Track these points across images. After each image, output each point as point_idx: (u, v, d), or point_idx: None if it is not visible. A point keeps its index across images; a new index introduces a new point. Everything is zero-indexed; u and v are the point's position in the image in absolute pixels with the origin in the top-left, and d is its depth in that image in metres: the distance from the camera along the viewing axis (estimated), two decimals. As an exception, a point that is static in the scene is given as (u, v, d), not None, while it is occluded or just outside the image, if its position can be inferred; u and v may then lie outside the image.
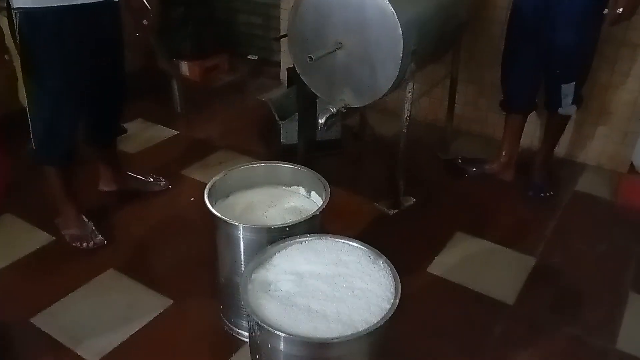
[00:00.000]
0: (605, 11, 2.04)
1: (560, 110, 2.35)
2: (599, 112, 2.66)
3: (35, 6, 1.73)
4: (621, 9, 1.97)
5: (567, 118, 2.45)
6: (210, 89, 3.60)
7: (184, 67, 3.68)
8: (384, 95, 2.11)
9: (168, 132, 3.00)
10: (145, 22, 2.00)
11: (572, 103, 2.32)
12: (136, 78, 3.12)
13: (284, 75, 3.47)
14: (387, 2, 1.93)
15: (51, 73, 1.84)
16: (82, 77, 1.92)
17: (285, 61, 3.51)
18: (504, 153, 2.62)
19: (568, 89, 2.27)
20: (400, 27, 1.94)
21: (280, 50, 3.63)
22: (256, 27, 3.93)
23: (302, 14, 2.12)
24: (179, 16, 3.74)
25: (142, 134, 2.94)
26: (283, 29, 3.49)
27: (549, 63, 2.29)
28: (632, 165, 2.49)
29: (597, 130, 2.71)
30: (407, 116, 2.25)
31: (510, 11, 2.37)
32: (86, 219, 2.15)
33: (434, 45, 2.33)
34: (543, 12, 2.19)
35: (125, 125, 2.38)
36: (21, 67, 1.88)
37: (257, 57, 3.98)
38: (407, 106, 2.23)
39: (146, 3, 2.06)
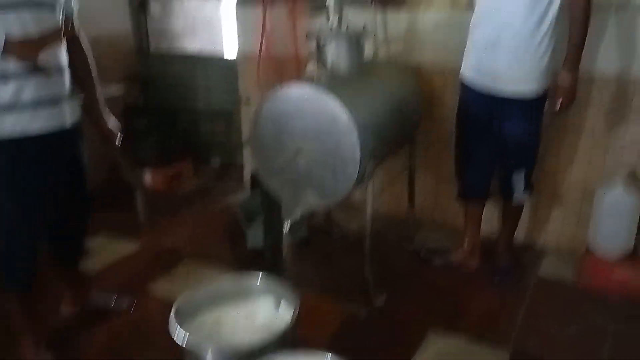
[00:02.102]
0: (546, 107, 2.20)
1: (513, 199, 2.46)
2: (551, 195, 2.78)
3: None
4: (559, 104, 2.14)
5: (522, 205, 2.55)
6: (174, 197, 3.61)
7: (148, 176, 3.70)
8: (345, 196, 2.16)
9: (132, 246, 2.95)
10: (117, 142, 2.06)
11: (524, 191, 2.43)
12: (99, 190, 3.10)
13: (247, 179, 3.52)
14: (342, 109, 2.03)
15: (7, 201, 1.82)
16: (40, 204, 1.90)
17: (249, 165, 3.59)
18: (466, 242, 2.68)
19: (519, 178, 2.39)
20: (357, 131, 2.03)
21: (243, 154, 3.71)
22: (218, 134, 4.04)
23: (262, 123, 2.21)
24: (142, 126, 3.83)
25: (105, 250, 2.87)
26: (245, 132, 3.60)
27: (499, 154, 2.42)
28: (588, 246, 2.57)
29: (552, 214, 2.82)
30: (370, 214, 2.30)
31: (458, 107, 2.53)
32: (46, 350, 2.03)
33: (390, 144, 2.44)
34: (487, 108, 2.34)
35: (88, 241, 2.34)
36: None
37: (220, 162, 4.05)
38: (369, 204, 2.29)
39: (116, 123, 2.12)
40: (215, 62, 3.91)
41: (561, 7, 2.11)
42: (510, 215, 2.60)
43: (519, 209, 2.57)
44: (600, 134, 2.59)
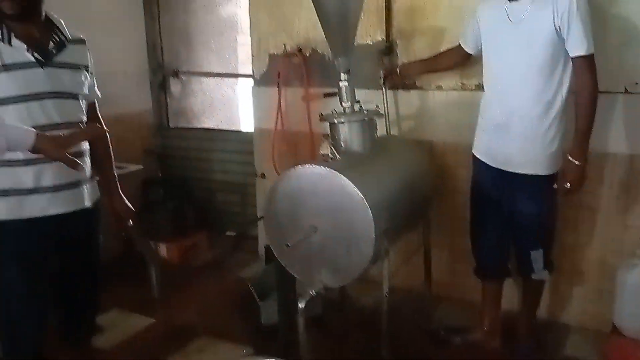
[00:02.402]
0: (555, 186, 2.21)
1: (533, 276, 2.41)
2: (571, 272, 2.73)
3: (8, 218, 1.76)
4: (569, 184, 2.15)
5: (542, 282, 2.49)
6: (188, 270, 3.60)
7: (163, 249, 3.71)
8: (360, 274, 2.14)
9: (145, 321, 2.92)
10: (130, 223, 2.07)
11: (544, 268, 2.38)
12: (113, 264, 3.13)
13: (262, 251, 3.52)
14: (356, 187, 2.05)
15: (20, 281, 1.82)
16: (53, 284, 1.90)
17: (263, 237, 3.59)
18: (485, 320, 2.61)
19: (537, 255, 2.35)
20: (370, 210, 2.04)
21: (258, 226, 3.73)
22: (234, 204, 4.09)
23: (277, 200, 2.24)
24: (159, 199, 3.89)
25: (117, 326, 2.84)
26: (259, 204, 3.64)
27: (514, 231, 2.40)
28: (614, 325, 2.48)
29: (574, 290, 2.75)
30: (386, 293, 2.26)
31: (471, 184, 2.54)
32: None
33: (404, 221, 2.44)
34: (500, 185, 2.35)
35: (100, 317, 2.32)
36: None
37: (235, 233, 4.07)
38: (385, 282, 2.26)
39: (129, 205, 2.16)
40: (231, 136, 4.03)
41: (569, 92, 2.16)
42: (531, 293, 2.54)
43: (540, 286, 2.51)
44: (616, 211, 2.57)
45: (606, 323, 2.60)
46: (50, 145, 1.59)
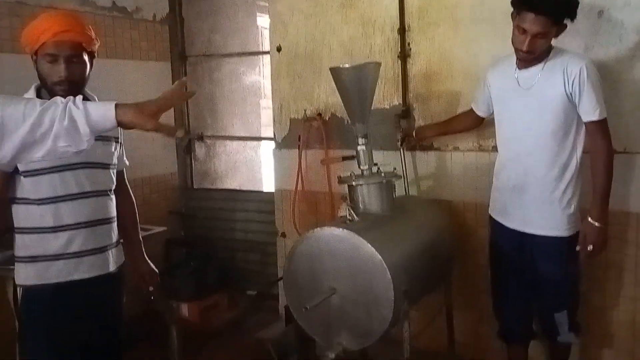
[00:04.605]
0: (578, 248, 2.18)
1: (559, 339, 2.34)
2: (600, 334, 2.64)
3: (36, 283, 1.83)
4: (591, 246, 2.12)
5: (568, 346, 2.42)
6: (209, 330, 3.58)
7: (184, 309, 3.72)
8: (380, 336, 2.12)
9: (165, 384, 2.89)
10: (151, 288, 2.11)
11: (569, 331, 2.32)
12: (132, 323, 3.13)
13: (282, 311, 3.50)
14: (374, 249, 2.07)
15: (46, 347, 1.85)
16: (76, 348, 1.91)
17: (284, 297, 3.58)
18: (512, 385, 2.52)
19: (562, 318, 2.30)
20: (389, 271, 2.04)
21: (278, 285, 3.73)
22: (254, 264, 4.10)
23: (296, 262, 2.26)
24: (181, 259, 3.93)
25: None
26: (280, 263, 3.65)
27: (536, 293, 2.35)
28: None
29: (603, 354, 2.65)
30: (407, 356, 2.22)
31: (489, 245, 2.53)
32: None
33: (424, 282, 2.42)
34: (520, 246, 2.32)
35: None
36: (17, 337, 1.93)
37: (255, 292, 4.07)
38: (405, 344, 2.22)
39: (153, 268, 2.20)
40: (253, 196, 4.10)
41: (583, 153, 2.18)
42: (558, 357, 2.46)
43: (567, 350, 2.44)
44: (643, 270, 2.51)
45: (640, 390, 2.49)
46: (138, 117, 1.29)
